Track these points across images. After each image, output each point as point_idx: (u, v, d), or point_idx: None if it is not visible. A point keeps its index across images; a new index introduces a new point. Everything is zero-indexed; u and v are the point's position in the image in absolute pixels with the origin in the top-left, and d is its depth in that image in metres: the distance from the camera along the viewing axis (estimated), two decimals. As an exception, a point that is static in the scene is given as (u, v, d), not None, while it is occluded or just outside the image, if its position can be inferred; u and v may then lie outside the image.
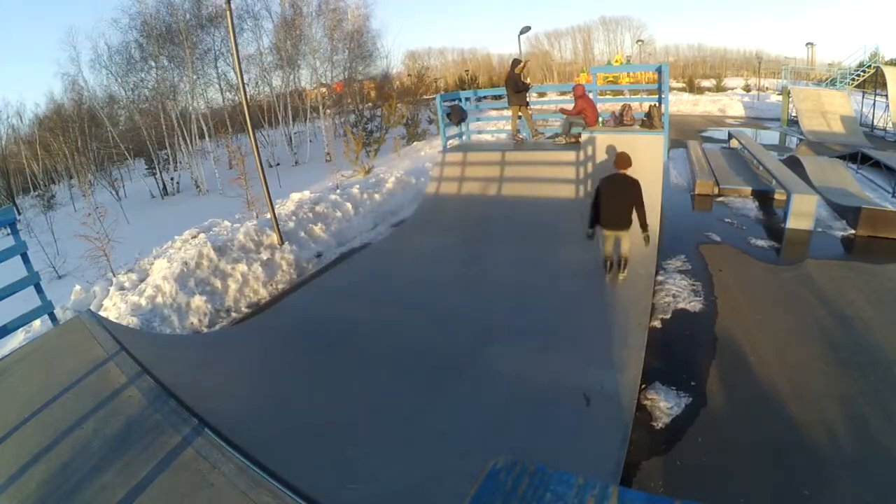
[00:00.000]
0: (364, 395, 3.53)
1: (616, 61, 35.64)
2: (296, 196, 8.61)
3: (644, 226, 4.62)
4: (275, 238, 6.64)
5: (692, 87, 34.57)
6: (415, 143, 18.74)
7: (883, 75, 16.34)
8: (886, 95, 15.90)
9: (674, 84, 36.18)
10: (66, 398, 2.77)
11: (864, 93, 18.49)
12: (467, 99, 9.72)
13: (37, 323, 4.83)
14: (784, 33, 73.44)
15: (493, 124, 11.75)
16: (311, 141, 25.08)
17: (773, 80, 34.04)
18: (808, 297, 4.60)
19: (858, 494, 2.54)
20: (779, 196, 7.51)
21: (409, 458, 2.87)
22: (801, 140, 14.89)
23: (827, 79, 22.50)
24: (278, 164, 22.02)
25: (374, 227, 8.21)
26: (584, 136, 7.17)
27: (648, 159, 6.62)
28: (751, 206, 7.51)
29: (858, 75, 20.13)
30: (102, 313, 5.05)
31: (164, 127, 20.45)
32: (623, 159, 4.76)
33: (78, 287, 6.06)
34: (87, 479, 2.21)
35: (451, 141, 9.28)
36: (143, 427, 2.48)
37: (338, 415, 3.31)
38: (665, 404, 3.28)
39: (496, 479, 0.67)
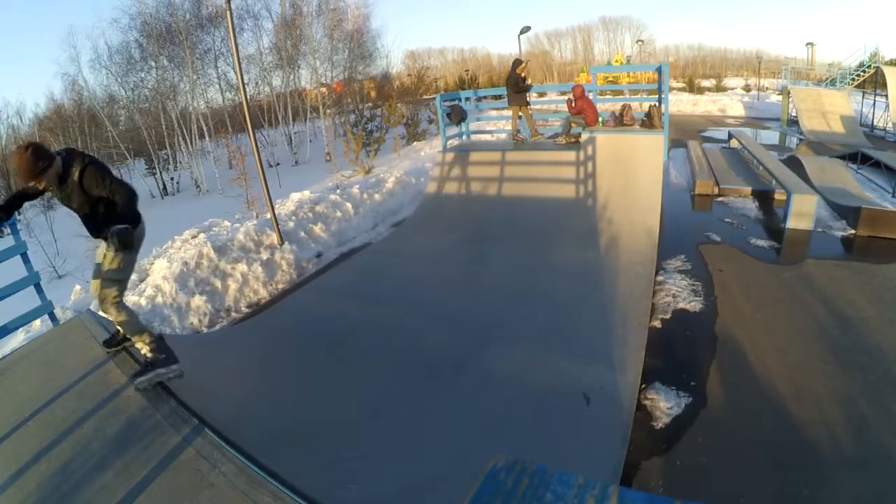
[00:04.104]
0: (364, 395, 3.53)
1: (616, 61, 35.65)
2: (296, 196, 8.61)
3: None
4: (275, 238, 6.64)
5: (692, 87, 34.58)
6: (415, 143, 18.76)
7: (883, 75, 16.34)
8: (886, 95, 15.90)
9: (674, 84, 36.18)
10: (66, 398, 2.77)
11: (864, 93, 18.49)
12: (467, 99, 9.73)
13: (37, 323, 4.82)
14: (784, 33, 73.53)
15: (493, 124, 11.76)
16: (311, 141, 25.10)
17: (773, 80, 34.03)
18: (808, 297, 4.60)
19: (858, 494, 2.54)
20: (779, 196, 7.51)
21: (409, 458, 2.87)
22: (801, 140, 14.89)
23: (827, 79, 22.49)
24: (278, 164, 22.04)
25: (374, 227, 8.21)
26: (584, 136, 7.17)
27: (648, 159, 6.63)
28: (751, 206, 7.51)
29: (858, 75, 20.13)
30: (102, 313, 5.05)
31: (164, 127, 20.47)
32: None
33: (78, 287, 6.06)
34: (87, 479, 2.21)
35: (451, 141, 9.28)
36: (143, 427, 2.48)
37: (338, 415, 3.31)
38: (665, 404, 3.28)
39: (496, 479, 0.67)
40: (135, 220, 2.74)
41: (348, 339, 4.37)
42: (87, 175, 2.60)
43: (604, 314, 4.30)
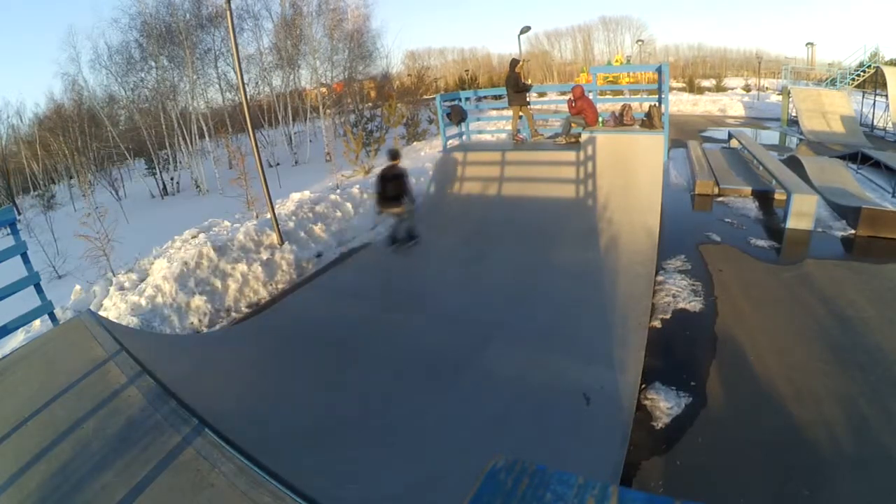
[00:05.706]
0: (364, 395, 3.54)
1: (616, 61, 35.66)
2: (296, 196, 8.60)
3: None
4: (275, 238, 6.64)
5: (692, 87, 34.57)
6: (415, 143, 18.74)
7: (883, 75, 16.33)
8: (886, 95, 15.89)
9: (674, 84, 36.16)
10: (66, 398, 2.77)
11: (864, 93, 18.48)
12: (467, 99, 9.72)
13: (37, 323, 4.82)
14: (784, 33, 73.54)
15: (493, 124, 11.76)
16: (311, 141, 25.06)
17: (773, 80, 34.04)
18: (808, 297, 4.60)
19: (858, 494, 2.54)
20: (779, 196, 7.51)
21: (409, 458, 2.87)
22: (801, 140, 14.90)
23: (827, 79, 22.47)
24: (278, 164, 22.00)
25: (374, 227, 8.20)
26: (584, 136, 7.17)
27: (648, 159, 6.63)
28: (751, 206, 7.51)
29: (858, 75, 20.12)
30: (102, 313, 5.05)
31: (164, 127, 20.45)
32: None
33: (78, 287, 6.06)
34: (87, 479, 2.21)
35: (451, 141, 9.28)
36: (143, 427, 2.48)
37: (338, 415, 3.31)
38: (665, 404, 3.28)
39: (496, 479, 0.67)
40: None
41: (348, 339, 4.37)
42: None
43: (604, 314, 4.30)
